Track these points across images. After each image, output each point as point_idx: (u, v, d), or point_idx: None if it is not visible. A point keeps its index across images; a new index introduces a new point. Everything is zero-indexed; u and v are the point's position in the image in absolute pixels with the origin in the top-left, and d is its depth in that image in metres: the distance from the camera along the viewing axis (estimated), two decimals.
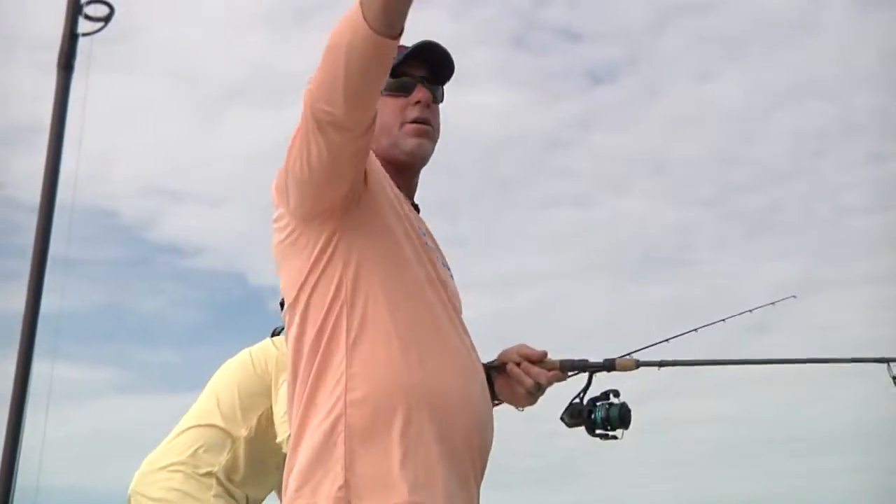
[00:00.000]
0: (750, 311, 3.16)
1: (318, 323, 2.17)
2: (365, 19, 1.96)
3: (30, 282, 4.39)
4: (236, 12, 13.72)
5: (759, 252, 13.53)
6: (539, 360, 2.49)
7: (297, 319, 2.21)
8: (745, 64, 14.54)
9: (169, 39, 13.55)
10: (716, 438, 12.60)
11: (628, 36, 14.67)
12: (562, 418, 2.55)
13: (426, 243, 2.34)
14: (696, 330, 3.07)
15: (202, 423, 4.06)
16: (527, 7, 14.50)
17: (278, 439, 3.95)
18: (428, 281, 2.29)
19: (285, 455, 3.26)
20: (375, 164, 2.25)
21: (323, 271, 2.17)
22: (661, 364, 2.56)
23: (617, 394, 2.53)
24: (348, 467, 2.06)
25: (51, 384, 4.47)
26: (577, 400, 2.54)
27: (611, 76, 15.64)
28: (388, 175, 2.30)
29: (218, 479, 3.93)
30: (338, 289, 2.17)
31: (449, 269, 2.45)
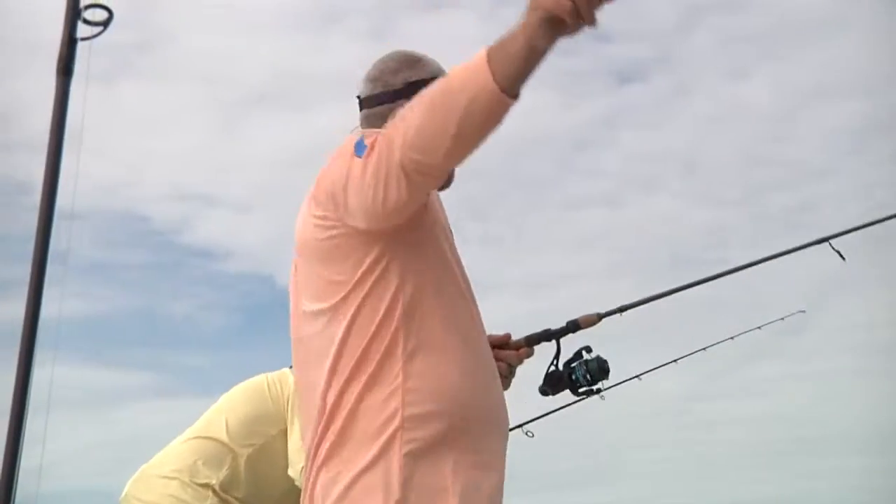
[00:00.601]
0: (759, 327, 3.15)
1: (370, 332, 2.26)
2: (494, 78, 1.98)
3: (29, 290, 4.38)
4: (262, 17, 13.75)
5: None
6: (504, 343, 2.60)
7: (343, 323, 2.28)
8: (775, 62, 14.41)
9: (197, 45, 13.63)
10: (749, 438, 12.49)
11: (657, 35, 14.62)
12: (543, 390, 2.62)
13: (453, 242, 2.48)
14: (704, 349, 3.06)
15: (204, 435, 4.08)
16: None
17: (290, 471, 3.94)
18: (466, 287, 2.39)
19: (294, 487, 3.29)
20: None
21: (376, 283, 2.27)
22: (622, 309, 2.60)
23: (589, 349, 2.61)
24: (405, 482, 2.14)
25: (50, 392, 4.49)
26: (553, 368, 2.62)
27: (640, 75, 15.60)
28: None
29: (214, 490, 3.97)
30: (392, 303, 2.27)
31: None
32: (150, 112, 13.74)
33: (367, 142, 2.22)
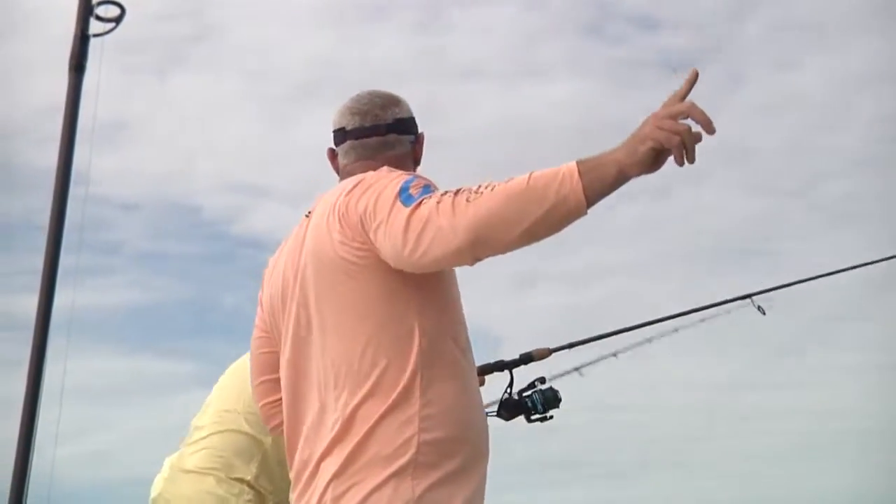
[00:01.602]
0: (703, 310, 3.17)
1: (390, 358, 2.32)
2: (585, 194, 2.07)
3: (42, 284, 4.46)
4: (312, 9, 13.81)
5: (841, 242, 13.21)
6: None
7: (362, 342, 2.33)
8: (826, 51, 14.23)
9: (248, 38, 13.70)
10: (798, 431, 12.40)
11: (707, 24, 14.44)
12: (498, 413, 2.79)
13: None
14: (649, 340, 3.12)
15: (229, 428, 4.06)
16: None
17: None
18: (462, 317, 2.49)
19: None
20: None
21: (399, 307, 2.32)
22: (571, 346, 2.75)
23: (542, 380, 2.80)
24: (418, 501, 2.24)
25: (63, 384, 4.56)
26: (507, 396, 2.79)
27: (690, 65, 15.37)
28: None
29: (249, 484, 3.93)
30: (412, 328, 2.33)
31: None
32: (201, 104, 13.87)
33: (414, 192, 2.26)
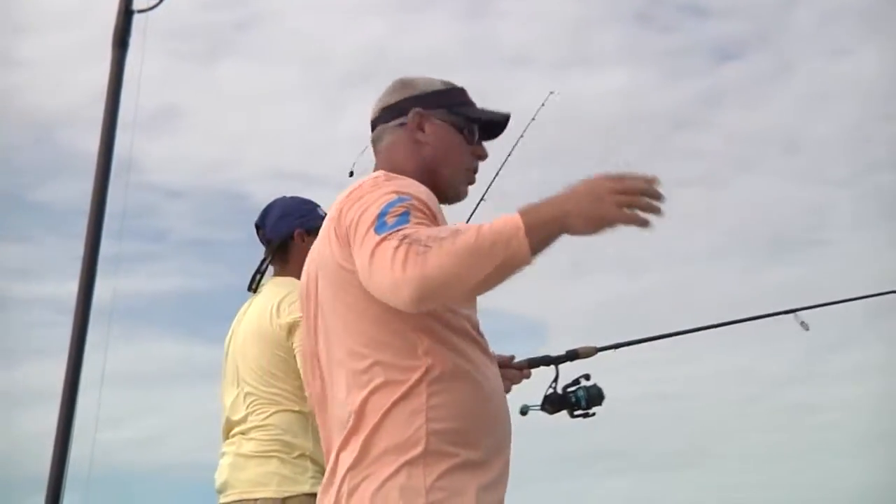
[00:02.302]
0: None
1: (394, 353, 2.35)
2: (531, 249, 2.09)
3: (82, 271, 4.39)
4: None
5: (893, 232, 13.00)
6: (509, 363, 2.74)
7: (364, 340, 2.38)
8: (879, 37, 13.98)
9: (296, 24, 13.68)
10: (851, 424, 12.26)
11: (757, 11, 14.28)
12: (542, 408, 2.81)
13: None
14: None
15: (279, 408, 4.07)
16: None
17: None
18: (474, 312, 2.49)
19: None
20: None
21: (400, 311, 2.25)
22: (617, 346, 2.90)
23: (588, 377, 2.81)
24: (429, 490, 2.28)
25: (104, 370, 4.53)
26: (552, 390, 2.82)
27: (739, 53, 15.26)
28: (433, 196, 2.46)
29: (312, 460, 3.98)
30: (414, 328, 2.34)
31: None
32: (249, 91, 13.83)
33: (390, 220, 2.26)
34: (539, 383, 2.91)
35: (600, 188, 2.13)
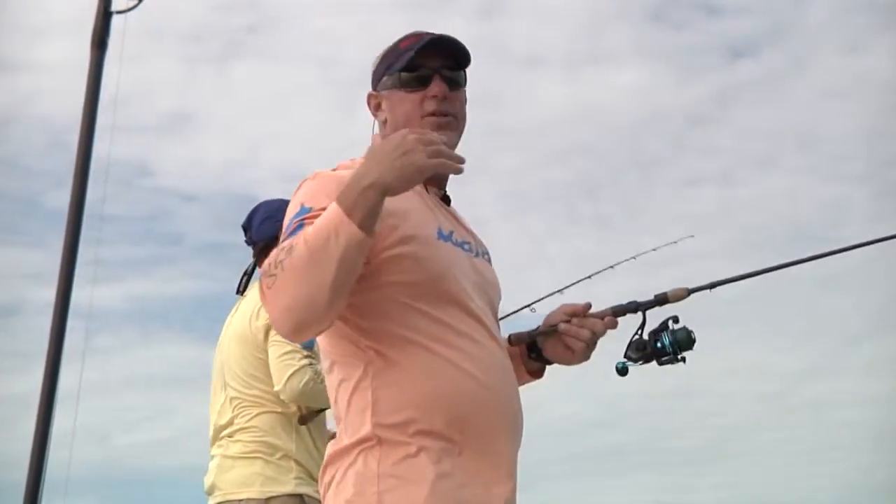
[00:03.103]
0: (654, 249, 3.07)
1: (345, 346, 2.32)
2: (357, 223, 2.07)
3: (60, 273, 4.37)
4: None
5: None
6: (585, 312, 2.53)
7: (327, 336, 2.35)
8: (893, 33, 13.86)
9: (309, 26, 13.70)
10: (871, 420, 12.16)
11: (770, 8, 14.19)
12: (625, 356, 2.56)
13: (451, 240, 2.43)
14: (612, 266, 2.98)
15: (259, 410, 4.10)
16: None
17: (276, 387, 3.99)
18: (467, 287, 2.39)
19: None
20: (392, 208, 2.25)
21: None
22: (713, 285, 2.53)
23: (676, 319, 2.54)
24: (381, 477, 2.24)
25: (80, 382, 4.51)
26: (638, 336, 2.55)
27: (753, 50, 15.14)
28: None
29: (296, 461, 4.02)
30: (359, 324, 2.31)
31: (485, 255, 2.58)
32: (264, 94, 13.83)
33: (282, 237, 2.25)
34: (627, 334, 2.64)
35: (405, 143, 2.12)
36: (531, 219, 14.52)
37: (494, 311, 2.51)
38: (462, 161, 2.19)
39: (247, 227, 4.39)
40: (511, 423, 2.39)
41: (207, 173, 14.14)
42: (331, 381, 2.39)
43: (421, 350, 2.29)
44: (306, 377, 3.99)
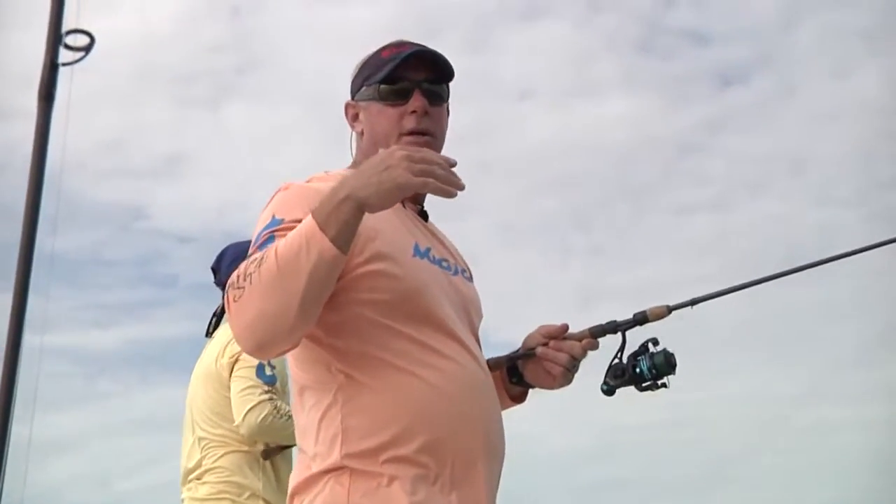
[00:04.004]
0: None
1: (316, 372, 2.26)
2: (329, 238, 1.98)
3: (10, 321, 4.45)
4: (361, 34, 13.82)
5: None
6: (562, 334, 2.46)
7: (294, 361, 2.30)
8: (880, 56, 13.89)
9: (298, 65, 13.82)
10: (869, 444, 12.09)
11: (758, 35, 14.24)
12: (605, 383, 2.45)
13: (428, 257, 2.36)
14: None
15: (225, 450, 4.13)
16: (651, 12, 14.27)
17: (235, 422, 4.03)
18: (444, 306, 2.32)
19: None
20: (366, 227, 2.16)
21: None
22: (693, 302, 2.42)
23: (656, 342, 2.42)
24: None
25: (36, 390, 4.56)
26: (617, 360, 2.44)
27: (742, 77, 15.19)
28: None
29: (264, 499, 4.09)
30: (329, 348, 2.23)
31: (465, 273, 2.50)
32: (256, 133, 13.90)
33: (252, 250, 2.19)
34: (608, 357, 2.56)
35: (390, 158, 2.03)
36: (524, 249, 14.57)
37: (474, 330, 2.45)
38: (458, 187, 2.08)
39: (216, 269, 4.42)
40: (489, 448, 2.32)
41: (201, 214, 14.22)
42: (301, 408, 2.31)
43: (393, 371, 2.22)
44: (265, 412, 4.03)
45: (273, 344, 2.14)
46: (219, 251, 4.45)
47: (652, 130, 14.44)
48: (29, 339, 4.68)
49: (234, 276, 2.09)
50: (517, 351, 2.50)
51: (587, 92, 14.83)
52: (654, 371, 2.39)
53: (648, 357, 2.41)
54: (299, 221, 2.12)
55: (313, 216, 2.01)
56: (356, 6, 14.04)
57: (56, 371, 12.63)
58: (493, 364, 2.50)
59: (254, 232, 2.26)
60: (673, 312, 2.42)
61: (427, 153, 2.05)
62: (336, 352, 2.24)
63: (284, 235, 2.11)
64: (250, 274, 2.04)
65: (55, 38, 4.69)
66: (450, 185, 2.05)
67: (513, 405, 2.57)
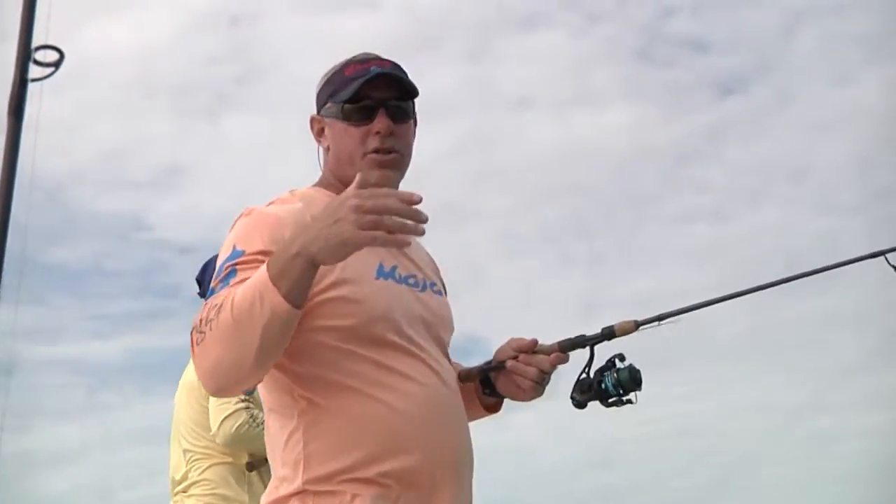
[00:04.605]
0: None
1: (279, 397, 2.27)
2: (282, 294, 1.98)
3: None
4: (360, 43, 13.76)
5: None
6: (532, 348, 2.45)
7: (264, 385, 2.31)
8: (880, 63, 13.83)
9: (296, 74, 13.77)
10: (871, 453, 12.05)
11: (757, 43, 14.24)
12: (572, 397, 2.47)
13: (393, 276, 2.36)
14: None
15: (210, 462, 4.15)
16: (650, 21, 14.26)
17: (212, 432, 4.03)
18: (381, 323, 2.29)
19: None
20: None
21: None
22: (660, 318, 2.42)
23: (622, 358, 2.43)
24: None
25: (4, 414, 4.58)
26: (584, 375, 2.45)
27: (741, 85, 15.18)
28: None
29: None
30: (286, 368, 2.24)
31: (434, 286, 2.49)
32: (255, 143, 13.93)
33: (215, 284, 2.17)
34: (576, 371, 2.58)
35: (340, 209, 1.99)
36: (525, 258, 14.55)
37: (442, 346, 2.44)
38: (416, 233, 2.01)
39: (200, 281, 4.42)
40: (454, 468, 2.32)
41: (202, 225, 14.23)
42: (269, 429, 2.32)
43: (354, 395, 2.22)
44: (240, 420, 4.03)
45: (233, 387, 2.18)
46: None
47: (652, 139, 14.41)
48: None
49: (197, 318, 2.10)
50: (489, 362, 2.51)
51: (587, 100, 14.84)
52: (619, 387, 2.39)
53: (614, 373, 2.41)
54: (260, 252, 2.15)
55: (268, 269, 2.01)
56: (356, 16, 14.08)
57: (57, 382, 12.69)
58: (465, 375, 2.51)
59: (217, 260, 2.25)
60: (640, 328, 2.41)
61: (381, 199, 1.98)
62: (298, 377, 2.24)
63: (245, 269, 2.13)
64: (210, 320, 2.06)
65: (25, 54, 4.64)
66: (405, 231, 1.99)
67: (487, 415, 2.58)
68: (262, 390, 2.33)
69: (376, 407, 2.22)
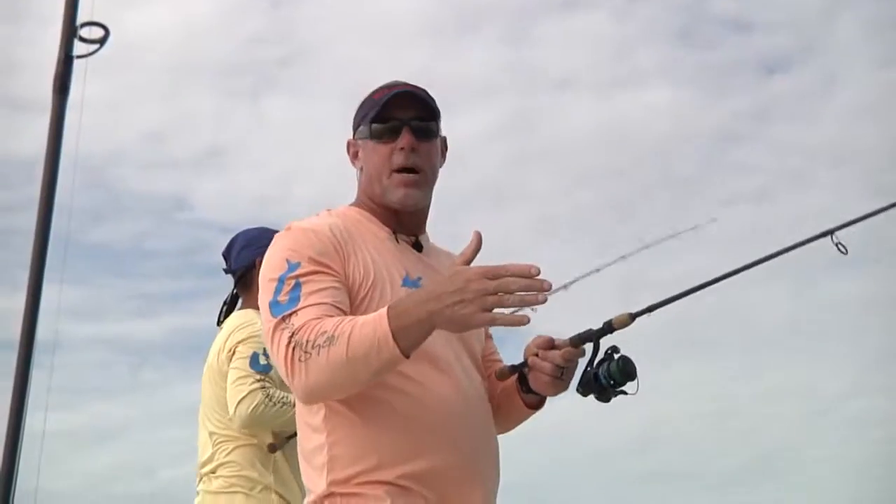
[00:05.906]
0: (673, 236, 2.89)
1: (305, 407, 2.39)
2: (400, 349, 2.12)
3: (25, 315, 4.46)
4: (401, 26, 13.82)
5: None
6: (549, 345, 2.52)
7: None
8: None
9: (338, 57, 13.79)
10: None
11: (801, 23, 14.04)
12: (577, 390, 2.54)
13: (418, 286, 2.43)
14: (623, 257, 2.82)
15: (235, 444, 4.14)
16: (691, 1, 14.10)
17: (229, 415, 4.02)
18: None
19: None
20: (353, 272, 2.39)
21: None
22: (650, 309, 2.52)
23: (616, 350, 2.50)
24: None
25: (49, 391, 4.60)
26: (588, 368, 2.53)
27: (785, 66, 14.98)
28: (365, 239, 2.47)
29: (277, 493, 4.12)
30: None
31: None
32: (296, 126, 13.94)
33: (283, 299, 2.30)
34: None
35: (467, 288, 2.09)
36: (564, 241, 14.48)
37: (471, 352, 2.56)
38: (535, 302, 2.11)
39: (226, 256, 4.43)
40: (476, 473, 2.43)
41: (243, 205, 14.25)
42: (300, 441, 2.47)
43: (373, 402, 2.33)
44: (256, 401, 4.02)
45: (319, 401, 2.33)
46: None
47: (695, 120, 14.31)
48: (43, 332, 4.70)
49: (303, 338, 2.20)
50: (522, 362, 2.57)
51: (628, 82, 14.71)
52: (610, 380, 2.46)
53: (606, 365, 2.48)
54: (313, 262, 2.32)
55: (389, 320, 2.14)
56: None
57: (100, 360, 12.78)
58: (499, 375, 2.61)
59: (264, 275, 2.37)
60: (635, 320, 2.49)
61: (504, 279, 2.09)
62: None
63: (308, 281, 2.28)
64: (319, 346, 2.17)
65: (70, 30, 4.66)
66: (526, 303, 2.09)
67: (531, 413, 2.66)
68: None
69: (399, 412, 2.34)
